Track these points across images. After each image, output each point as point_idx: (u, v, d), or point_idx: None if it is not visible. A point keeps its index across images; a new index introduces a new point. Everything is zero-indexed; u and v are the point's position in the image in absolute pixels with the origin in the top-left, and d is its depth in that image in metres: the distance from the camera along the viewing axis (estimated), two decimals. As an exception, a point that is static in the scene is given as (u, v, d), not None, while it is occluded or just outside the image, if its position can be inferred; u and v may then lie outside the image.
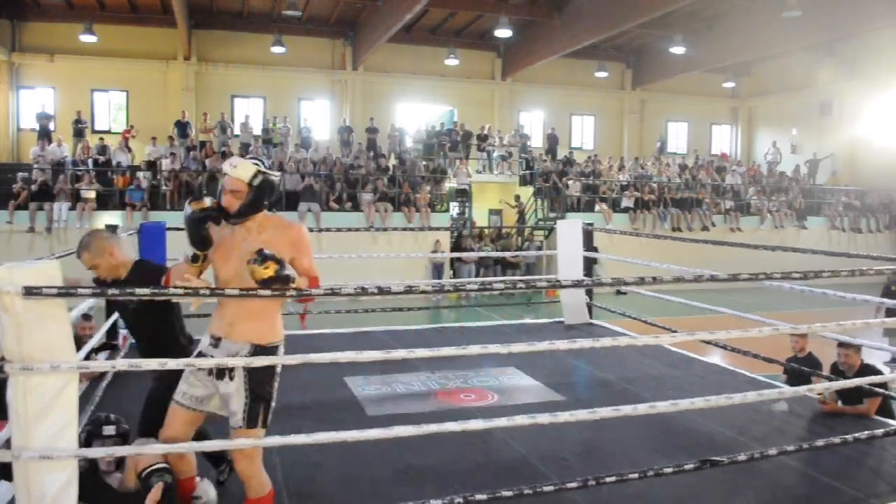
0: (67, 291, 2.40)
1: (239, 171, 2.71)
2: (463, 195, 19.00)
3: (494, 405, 4.86)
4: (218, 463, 3.40)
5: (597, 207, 18.46)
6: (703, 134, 25.79)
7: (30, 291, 2.32)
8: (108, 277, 3.19)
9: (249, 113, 19.87)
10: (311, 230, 12.44)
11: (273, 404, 2.83)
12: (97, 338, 5.24)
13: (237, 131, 18.88)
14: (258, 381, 2.75)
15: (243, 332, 2.78)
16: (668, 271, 6.16)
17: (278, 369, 2.84)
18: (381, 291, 2.86)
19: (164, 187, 15.75)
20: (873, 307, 9.67)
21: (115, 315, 5.99)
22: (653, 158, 21.65)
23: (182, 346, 3.31)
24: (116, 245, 3.23)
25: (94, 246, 3.17)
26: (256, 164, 2.75)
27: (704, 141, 25.66)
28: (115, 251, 3.20)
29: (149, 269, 3.27)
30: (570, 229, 7.64)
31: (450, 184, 19.02)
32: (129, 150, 17.03)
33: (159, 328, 3.26)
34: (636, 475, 3.14)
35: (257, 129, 19.23)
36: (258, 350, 2.77)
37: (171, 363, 2.70)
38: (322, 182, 16.50)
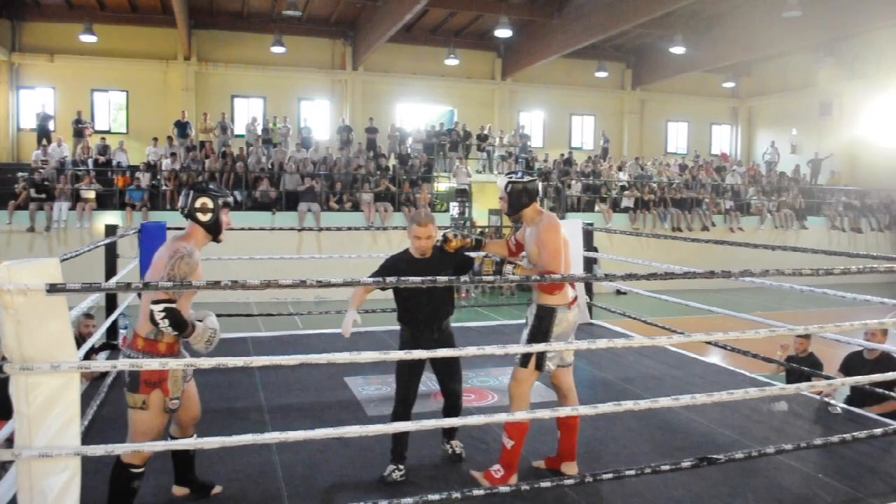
0: (90, 287, 2.40)
1: (498, 184, 3.68)
2: (463, 195, 19.00)
3: (495, 405, 4.87)
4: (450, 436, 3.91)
5: (597, 207, 18.47)
6: (703, 134, 25.80)
7: (53, 288, 2.35)
8: (421, 254, 3.66)
9: (250, 113, 19.87)
10: (310, 230, 12.34)
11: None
12: (97, 336, 5.24)
13: (241, 131, 18.86)
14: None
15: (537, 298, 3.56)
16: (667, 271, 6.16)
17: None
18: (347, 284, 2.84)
19: (163, 187, 15.76)
20: (873, 307, 9.67)
21: (115, 314, 6.00)
22: (602, 160, 20.77)
23: None
24: None
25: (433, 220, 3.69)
26: (509, 177, 3.63)
27: (704, 141, 25.67)
28: None
29: (447, 252, 3.76)
30: (570, 229, 7.62)
31: (450, 184, 19.02)
32: (87, 146, 16.72)
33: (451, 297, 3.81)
34: (633, 472, 3.14)
35: (257, 129, 19.21)
36: (540, 308, 3.53)
37: (173, 363, 2.70)
38: (322, 182, 16.51)
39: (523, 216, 3.64)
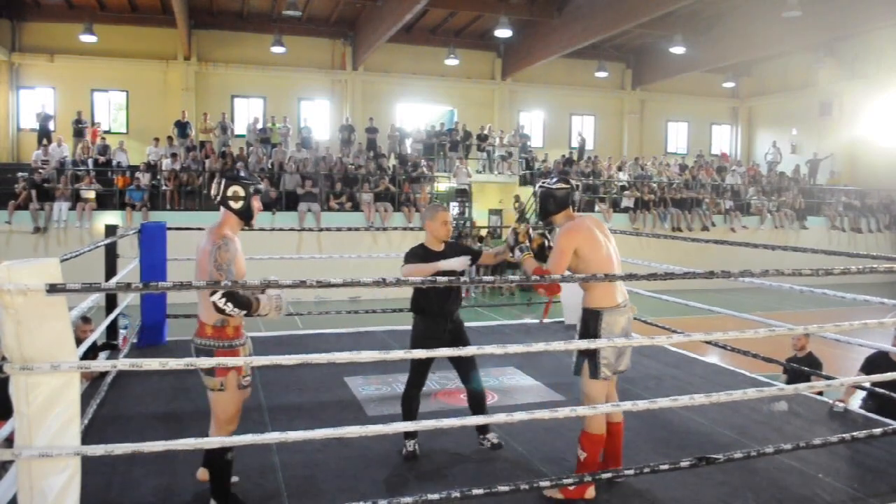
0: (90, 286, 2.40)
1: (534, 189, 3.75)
2: (463, 195, 19.00)
3: (495, 405, 4.86)
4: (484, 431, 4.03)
5: (597, 207, 18.48)
6: (703, 134, 25.81)
7: (53, 288, 2.35)
8: (444, 239, 3.94)
9: (250, 113, 19.86)
10: (310, 230, 12.33)
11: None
12: (95, 336, 5.24)
13: (241, 131, 18.84)
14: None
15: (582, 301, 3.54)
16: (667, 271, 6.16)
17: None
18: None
19: (164, 187, 15.76)
20: (873, 307, 9.68)
21: (115, 314, 6.00)
22: (578, 159, 20.75)
23: None
24: None
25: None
26: (542, 181, 3.66)
27: (704, 141, 25.69)
28: None
29: (458, 245, 4.16)
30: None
31: (450, 184, 19.01)
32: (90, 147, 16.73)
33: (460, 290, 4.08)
34: (632, 472, 3.14)
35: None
36: (585, 312, 3.48)
37: (172, 362, 2.70)
38: (322, 181, 16.50)
39: (554, 221, 3.62)
